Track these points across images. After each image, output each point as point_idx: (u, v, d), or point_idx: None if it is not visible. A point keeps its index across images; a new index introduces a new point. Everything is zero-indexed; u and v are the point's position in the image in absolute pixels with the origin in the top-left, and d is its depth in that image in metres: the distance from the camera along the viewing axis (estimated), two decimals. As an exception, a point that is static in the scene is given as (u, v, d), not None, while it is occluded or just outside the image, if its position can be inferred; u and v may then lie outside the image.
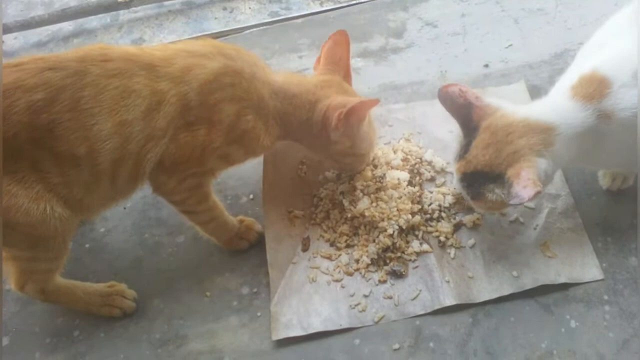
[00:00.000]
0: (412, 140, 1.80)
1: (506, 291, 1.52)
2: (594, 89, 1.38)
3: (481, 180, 1.41)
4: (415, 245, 1.60)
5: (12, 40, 2.37)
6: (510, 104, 1.46)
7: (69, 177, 1.34)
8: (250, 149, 1.52)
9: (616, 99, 1.36)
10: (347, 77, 1.64)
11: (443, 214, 1.65)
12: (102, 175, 1.37)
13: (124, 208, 1.75)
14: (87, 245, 1.70)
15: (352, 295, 1.56)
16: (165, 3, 2.45)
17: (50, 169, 1.32)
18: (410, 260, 1.59)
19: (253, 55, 1.54)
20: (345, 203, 1.65)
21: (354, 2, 2.31)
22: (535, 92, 1.84)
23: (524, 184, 1.31)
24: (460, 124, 1.46)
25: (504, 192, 1.36)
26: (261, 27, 2.26)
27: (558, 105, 1.42)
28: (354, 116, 1.51)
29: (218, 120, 1.42)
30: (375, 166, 1.72)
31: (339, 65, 1.62)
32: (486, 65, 1.99)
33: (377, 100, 1.52)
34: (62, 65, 1.30)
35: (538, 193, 1.30)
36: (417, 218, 1.62)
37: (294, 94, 1.53)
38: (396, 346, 1.49)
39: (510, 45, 2.03)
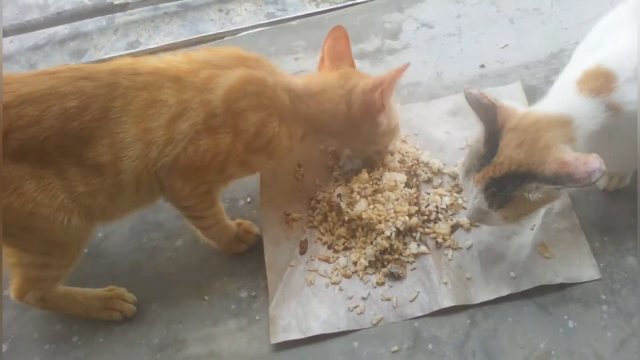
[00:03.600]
0: (409, 142, 1.80)
1: (504, 292, 1.52)
2: (601, 83, 1.36)
3: (516, 181, 1.34)
4: (412, 247, 1.60)
5: (8, 44, 2.37)
6: (519, 106, 1.43)
7: (94, 186, 1.37)
8: (272, 154, 1.54)
9: (623, 93, 1.35)
10: (353, 68, 1.66)
11: (440, 216, 1.65)
12: (126, 185, 1.40)
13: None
14: (85, 250, 1.68)
15: (350, 298, 1.56)
16: (161, 5, 2.46)
17: (75, 178, 1.35)
18: (407, 262, 1.59)
19: (272, 63, 1.56)
20: (343, 205, 1.65)
21: (350, 3, 2.31)
22: (532, 92, 1.84)
23: (583, 161, 1.26)
24: (485, 126, 1.39)
25: (559, 186, 1.30)
26: (257, 29, 2.26)
27: (569, 100, 1.39)
28: (389, 91, 1.56)
29: (244, 128, 1.44)
30: (372, 168, 1.73)
31: (343, 60, 1.64)
32: (482, 66, 1.99)
33: (407, 65, 1.55)
34: (96, 77, 1.35)
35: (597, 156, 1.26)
36: (415, 220, 1.62)
37: (318, 92, 1.56)
38: (395, 348, 1.49)
39: (506, 45, 2.03)
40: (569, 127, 1.35)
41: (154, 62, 1.44)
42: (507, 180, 1.34)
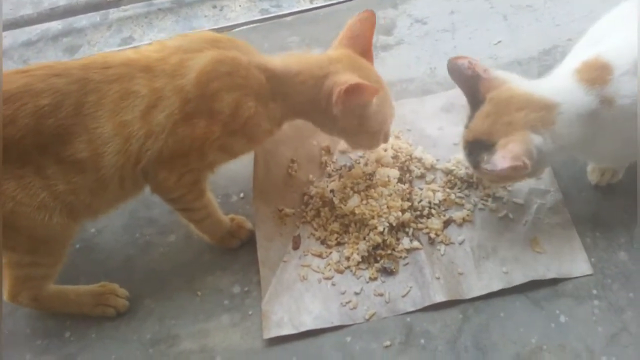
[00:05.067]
0: (402, 138, 1.81)
1: (496, 287, 1.53)
2: (597, 74, 1.39)
3: (479, 149, 1.42)
4: (405, 242, 1.60)
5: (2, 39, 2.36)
6: (518, 77, 1.47)
7: (76, 184, 1.37)
8: (252, 136, 1.51)
9: (617, 86, 1.38)
10: (367, 54, 1.60)
11: (433, 211, 1.65)
12: (109, 180, 1.39)
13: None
14: (77, 246, 1.70)
15: (343, 293, 1.56)
16: (155, 1, 2.45)
17: (55, 177, 1.35)
18: (400, 257, 1.60)
19: (247, 44, 1.53)
20: (336, 201, 1.66)
21: (344, -1, 2.32)
22: None
23: (504, 155, 1.34)
24: (467, 96, 1.46)
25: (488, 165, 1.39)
26: (251, 25, 2.26)
27: (563, 85, 1.42)
28: (353, 96, 1.46)
29: (219, 110, 1.42)
30: (365, 164, 1.73)
31: (357, 40, 1.58)
32: (475, 62, 1.99)
33: (375, 89, 1.47)
34: (67, 73, 1.34)
35: (515, 168, 1.32)
36: (407, 215, 1.62)
37: (297, 72, 1.51)
38: (387, 343, 1.49)
39: (499, 41, 2.04)
40: (552, 111, 1.39)
41: (126, 53, 1.43)
42: (476, 146, 1.43)
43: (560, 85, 1.43)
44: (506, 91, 1.42)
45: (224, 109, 1.42)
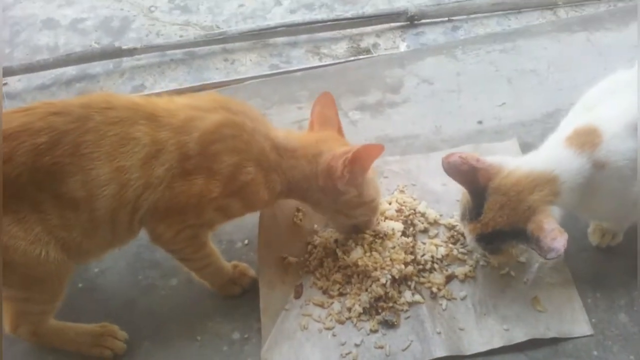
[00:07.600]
0: (407, 192, 1.83)
1: (496, 344, 1.52)
2: (587, 139, 1.45)
3: (501, 237, 1.47)
4: (407, 296, 1.61)
5: (16, 83, 2.43)
6: (509, 158, 1.52)
7: (69, 220, 1.37)
8: (249, 202, 1.53)
9: (608, 148, 1.43)
10: (340, 133, 1.66)
11: (435, 266, 1.66)
12: (101, 222, 1.39)
13: (118, 249, 1.75)
14: (80, 285, 1.70)
15: (343, 344, 1.55)
16: (168, 52, 2.52)
17: (50, 211, 1.35)
18: (402, 310, 1.59)
19: (256, 110, 1.58)
20: (339, 252, 1.67)
21: (352, 58, 2.38)
22: (527, 148, 1.86)
23: (552, 236, 1.37)
24: (468, 189, 1.51)
25: (531, 246, 1.43)
26: (261, 79, 2.31)
27: (556, 155, 1.48)
28: (358, 163, 1.50)
29: (217, 170, 1.44)
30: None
31: (331, 125, 1.64)
32: (480, 122, 2.03)
33: (381, 146, 1.53)
34: (67, 111, 1.35)
35: (566, 239, 1.37)
36: (410, 268, 1.63)
37: (296, 148, 1.55)
38: (386, 396, 1.48)
39: (504, 103, 2.09)
40: (555, 183, 1.44)
41: (131, 97, 1.45)
42: (494, 236, 1.47)
43: (554, 155, 1.49)
44: (509, 178, 1.46)
45: (223, 170, 1.44)
